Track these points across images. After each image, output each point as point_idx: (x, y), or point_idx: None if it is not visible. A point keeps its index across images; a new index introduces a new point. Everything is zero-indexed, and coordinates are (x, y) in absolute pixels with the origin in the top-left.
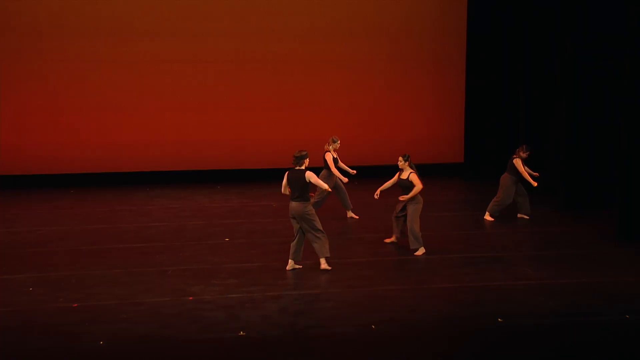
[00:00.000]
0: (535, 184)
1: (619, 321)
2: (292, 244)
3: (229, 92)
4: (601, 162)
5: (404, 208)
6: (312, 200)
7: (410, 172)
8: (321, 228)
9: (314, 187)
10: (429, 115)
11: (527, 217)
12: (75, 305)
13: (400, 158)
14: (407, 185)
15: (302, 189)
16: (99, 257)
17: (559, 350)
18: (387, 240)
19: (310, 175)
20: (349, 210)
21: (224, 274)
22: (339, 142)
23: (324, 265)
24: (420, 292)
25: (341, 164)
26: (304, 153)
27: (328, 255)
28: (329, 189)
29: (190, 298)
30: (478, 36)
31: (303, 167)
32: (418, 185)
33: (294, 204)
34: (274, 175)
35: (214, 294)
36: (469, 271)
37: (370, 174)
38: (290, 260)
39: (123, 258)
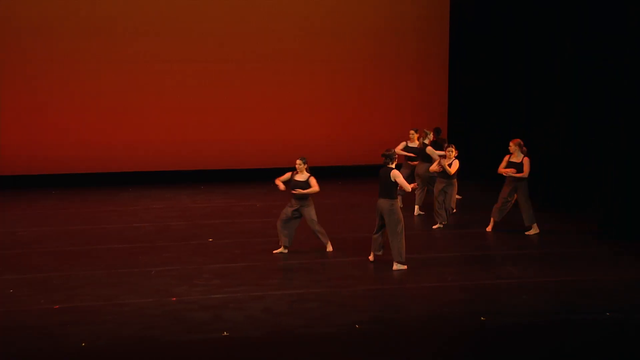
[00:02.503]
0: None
1: (602, 319)
2: (374, 237)
3: (213, 93)
4: (584, 161)
5: (298, 210)
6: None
7: (310, 176)
8: (400, 230)
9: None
10: (413, 114)
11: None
12: (57, 307)
13: (300, 161)
14: (303, 187)
15: (389, 186)
16: (83, 258)
17: (543, 348)
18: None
19: (396, 175)
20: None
21: (207, 274)
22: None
23: (396, 266)
24: (404, 291)
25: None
26: (392, 151)
27: (402, 260)
28: (410, 190)
29: (174, 299)
30: (461, 35)
31: (392, 166)
32: (316, 188)
33: (380, 201)
34: (258, 175)
35: (197, 294)
36: (452, 270)
37: (355, 173)
38: (372, 252)
39: (107, 259)
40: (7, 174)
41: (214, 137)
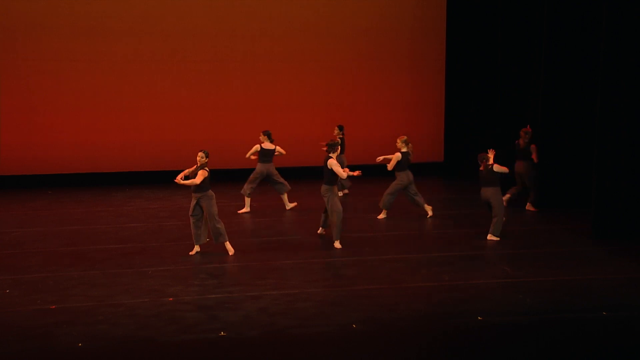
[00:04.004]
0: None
1: (596, 318)
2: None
3: (207, 92)
4: (578, 161)
5: (199, 207)
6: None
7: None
8: (337, 209)
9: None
10: (409, 114)
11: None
12: (54, 307)
13: (202, 153)
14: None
15: (328, 173)
16: (77, 259)
17: (537, 348)
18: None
19: (331, 163)
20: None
21: (203, 274)
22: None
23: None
24: (400, 291)
25: None
26: (334, 142)
27: (339, 238)
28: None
29: (170, 299)
30: (458, 35)
31: (332, 155)
32: (197, 180)
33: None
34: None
35: (193, 294)
36: (447, 270)
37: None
38: (320, 228)
39: (101, 259)
40: (3, 173)
41: (209, 137)
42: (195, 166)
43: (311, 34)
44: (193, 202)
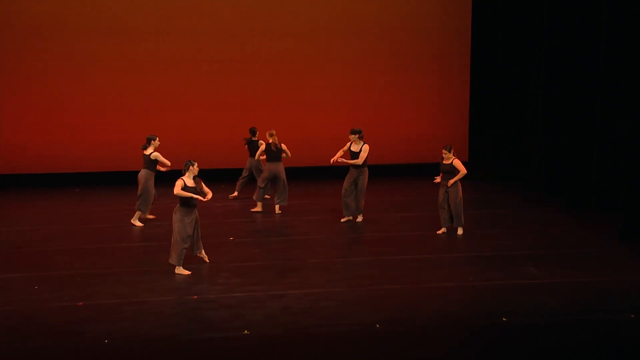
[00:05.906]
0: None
1: (622, 320)
2: (347, 201)
3: (231, 92)
4: (606, 164)
5: None
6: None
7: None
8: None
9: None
10: (433, 114)
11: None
12: (80, 304)
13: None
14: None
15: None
16: (102, 256)
17: (561, 350)
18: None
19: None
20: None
21: (226, 273)
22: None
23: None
24: (423, 291)
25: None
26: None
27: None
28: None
29: (195, 297)
30: (483, 34)
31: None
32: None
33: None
34: None
35: (217, 292)
36: (471, 270)
37: (373, 173)
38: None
39: (126, 257)
40: (28, 172)
41: (231, 135)
42: (198, 179)
43: (335, 33)
44: (191, 218)
